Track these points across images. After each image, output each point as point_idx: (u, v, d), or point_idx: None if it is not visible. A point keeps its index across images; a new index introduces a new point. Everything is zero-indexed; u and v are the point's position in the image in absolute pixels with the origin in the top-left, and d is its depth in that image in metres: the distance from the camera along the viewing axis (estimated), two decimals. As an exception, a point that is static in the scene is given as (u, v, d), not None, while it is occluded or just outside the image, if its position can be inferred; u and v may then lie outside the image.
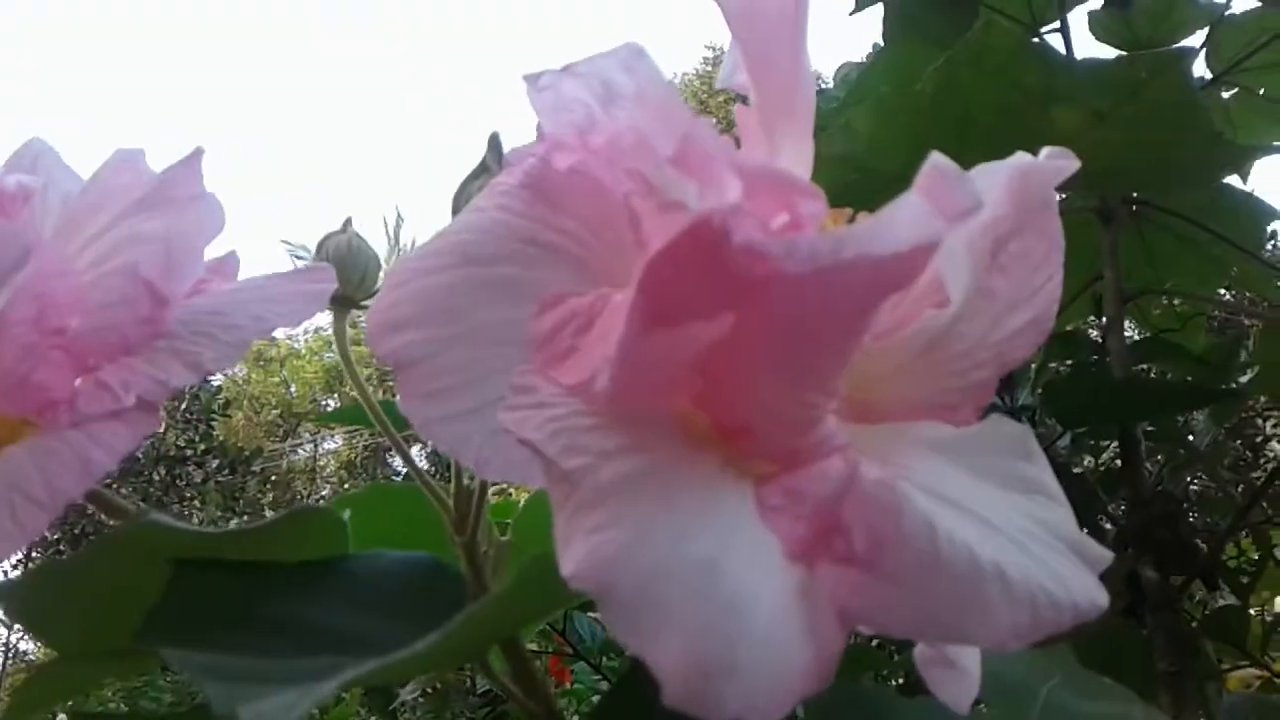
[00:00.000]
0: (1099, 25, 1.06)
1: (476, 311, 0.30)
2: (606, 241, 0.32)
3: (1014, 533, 0.28)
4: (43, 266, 0.31)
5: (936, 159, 0.24)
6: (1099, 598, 0.27)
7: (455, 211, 0.34)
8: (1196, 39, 1.11)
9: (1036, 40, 0.95)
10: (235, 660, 0.27)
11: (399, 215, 0.54)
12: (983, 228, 0.30)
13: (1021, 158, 0.31)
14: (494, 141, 0.34)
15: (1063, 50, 0.97)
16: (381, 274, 0.48)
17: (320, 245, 0.44)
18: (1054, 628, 0.26)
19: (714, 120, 0.28)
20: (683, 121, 0.25)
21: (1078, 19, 1.43)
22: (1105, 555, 0.29)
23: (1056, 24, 1.00)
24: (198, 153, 0.36)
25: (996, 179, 0.31)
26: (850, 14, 1.08)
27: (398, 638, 0.31)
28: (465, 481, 0.40)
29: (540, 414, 0.27)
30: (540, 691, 0.39)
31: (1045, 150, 0.32)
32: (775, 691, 0.25)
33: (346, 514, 0.39)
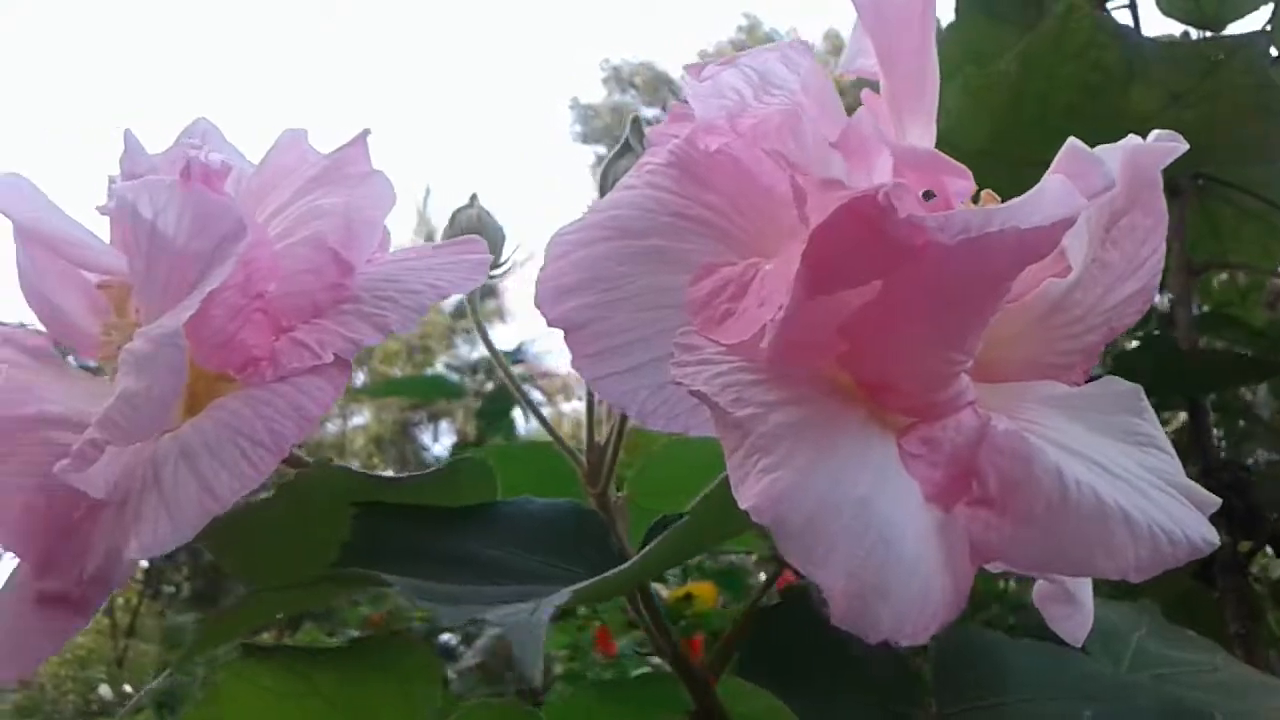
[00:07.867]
0: (1165, 1, 1.07)
1: (635, 279, 0.33)
2: (747, 215, 0.35)
3: (1132, 479, 0.31)
4: (249, 236, 0.34)
5: (1074, 143, 0.27)
6: (1210, 536, 0.30)
7: (603, 187, 0.38)
8: (1261, 15, 1.12)
9: (1108, 18, 0.97)
10: (439, 585, 0.30)
11: (428, 190, 0.57)
12: (1099, 204, 0.33)
13: (1133, 140, 0.34)
14: (635, 123, 0.37)
15: (1131, 25, 0.99)
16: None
17: (452, 219, 0.48)
18: (1172, 561, 0.29)
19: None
20: (838, 108, 0.28)
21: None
22: (1214, 500, 0.32)
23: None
24: (364, 134, 0.39)
25: (1113, 159, 0.34)
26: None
27: (566, 569, 0.35)
28: (597, 439, 0.44)
29: (708, 370, 0.30)
30: (664, 627, 0.42)
31: (1155, 133, 0.35)
32: (921, 615, 0.28)
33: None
